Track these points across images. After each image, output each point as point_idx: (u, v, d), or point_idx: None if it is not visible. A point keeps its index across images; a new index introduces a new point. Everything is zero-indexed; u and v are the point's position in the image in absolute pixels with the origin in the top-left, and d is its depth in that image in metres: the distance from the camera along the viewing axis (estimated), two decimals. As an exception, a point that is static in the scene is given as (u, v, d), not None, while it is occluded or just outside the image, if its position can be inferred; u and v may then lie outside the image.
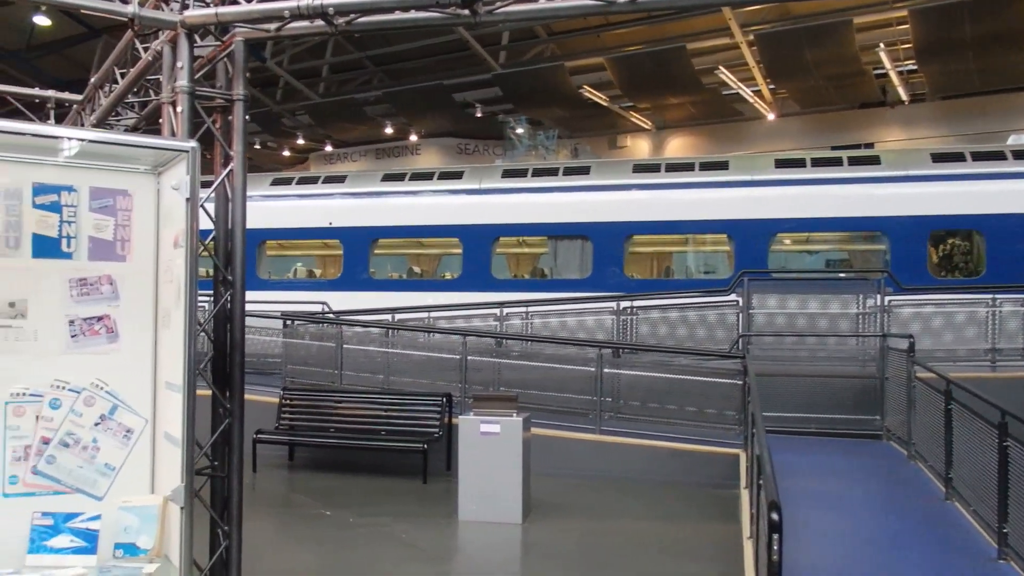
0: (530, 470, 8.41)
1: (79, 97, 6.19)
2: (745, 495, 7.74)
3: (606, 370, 10.50)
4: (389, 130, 25.66)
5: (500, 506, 8.13)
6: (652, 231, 14.02)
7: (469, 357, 11.15)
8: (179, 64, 3.65)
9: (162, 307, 3.74)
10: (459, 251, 14.92)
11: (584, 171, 14.61)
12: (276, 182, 16.98)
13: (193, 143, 3.32)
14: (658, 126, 23.65)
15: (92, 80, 5.52)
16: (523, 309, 12.78)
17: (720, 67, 19.81)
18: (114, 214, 3.72)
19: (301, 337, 13.08)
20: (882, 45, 18.39)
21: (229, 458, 3.82)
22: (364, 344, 12.52)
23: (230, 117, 3.80)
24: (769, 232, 13.28)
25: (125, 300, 3.74)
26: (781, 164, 13.86)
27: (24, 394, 3.56)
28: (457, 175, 15.61)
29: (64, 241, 3.63)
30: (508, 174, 15.15)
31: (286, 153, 29.66)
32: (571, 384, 10.87)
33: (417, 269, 17.11)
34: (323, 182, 16.90)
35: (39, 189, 3.58)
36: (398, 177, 16.07)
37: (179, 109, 3.64)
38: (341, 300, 14.67)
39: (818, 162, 13.69)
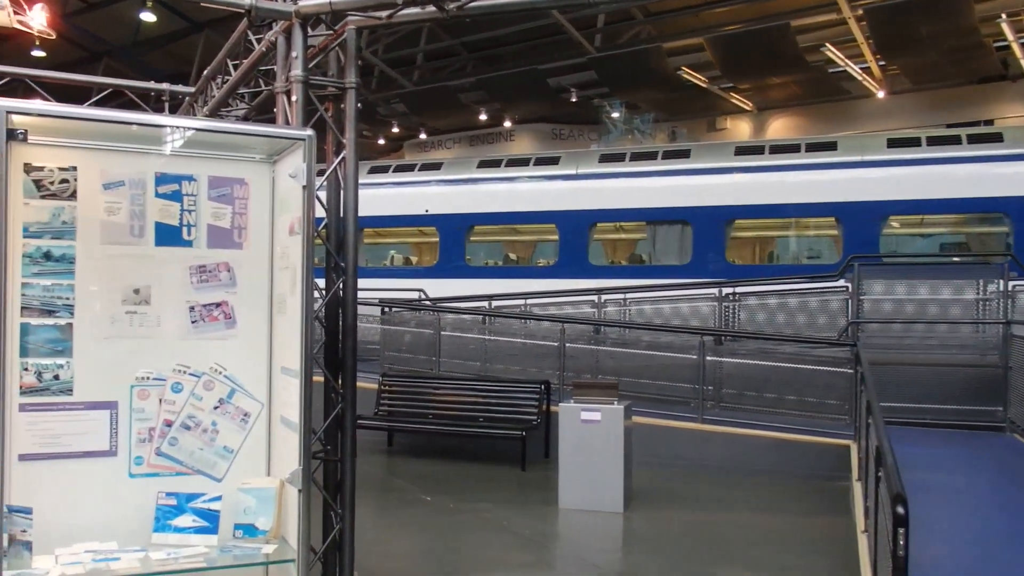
0: (632, 459, 8.29)
1: (191, 89, 6.38)
2: (858, 487, 7.42)
3: (708, 358, 10.27)
4: (483, 117, 25.72)
5: (601, 495, 8.04)
6: (755, 215, 13.61)
7: (567, 344, 11.07)
8: (293, 54, 3.68)
9: (277, 293, 3.80)
10: (555, 237, 14.84)
11: (684, 154, 14.30)
12: (373, 170, 17.26)
13: (310, 131, 3.35)
14: (759, 107, 22.91)
15: (205, 72, 5.67)
16: (621, 296, 12.61)
17: (827, 44, 19.00)
18: (231, 202, 3.79)
19: (399, 324, 13.27)
20: (1004, 16, 17.26)
21: (342, 442, 3.86)
22: (461, 331, 12.61)
23: (342, 105, 3.82)
24: (881, 215, 12.69)
25: (242, 287, 3.82)
26: (894, 144, 13.20)
27: (148, 378, 3.68)
28: (553, 160, 15.51)
29: (185, 229, 3.72)
30: (605, 159, 14.96)
31: (381, 141, 30.16)
32: (671, 372, 10.69)
33: (513, 256, 17.12)
34: (419, 169, 17.09)
35: (161, 179, 3.68)
36: (494, 163, 16.08)
37: (294, 98, 3.68)
38: (437, 287, 14.82)
39: (934, 141, 12.98)
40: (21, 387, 3.46)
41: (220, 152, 3.77)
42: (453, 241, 15.71)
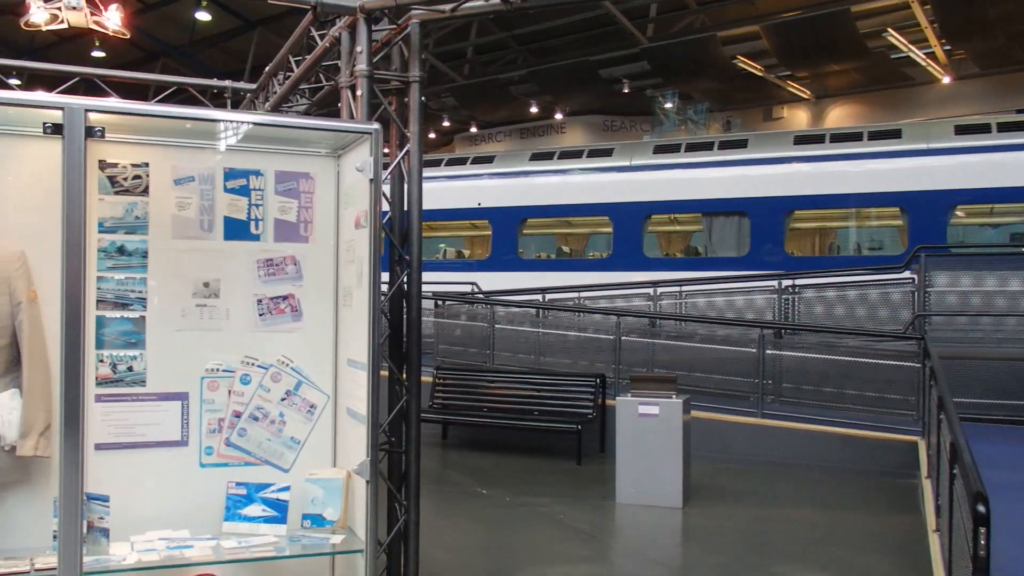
0: (690, 453, 8.19)
1: (252, 86, 6.47)
2: (927, 485, 7.23)
3: (767, 351, 10.09)
4: (534, 109, 25.65)
5: (659, 489, 7.96)
6: (815, 205, 13.31)
7: (622, 337, 10.99)
8: (358, 48, 3.70)
9: (342, 286, 3.83)
10: (609, 230, 14.73)
11: (741, 144, 14.05)
12: (424, 164, 17.31)
13: (376, 125, 3.36)
14: (817, 95, 22.40)
15: (267, 69, 5.74)
16: (676, 288, 12.47)
17: (888, 29, 18.48)
18: (297, 196, 3.83)
19: (451, 317, 13.32)
20: (1076, -4, 16.58)
21: (407, 434, 3.88)
22: (514, 324, 12.61)
23: (405, 99, 3.83)
24: (948, 204, 12.30)
25: (308, 280, 3.85)
26: (962, 130, 12.78)
27: (218, 370, 3.74)
28: (607, 152, 15.40)
29: (252, 223, 3.77)
30: (660, 150, 14.79)
31: (431, 136, 30.31)
32: (728, 366, 10.54)
33: (566, 249, 17.06)
34: (471, 163, 17.11)
35: (229, 174, 3.74)
36: (547, 156, 16.03)
37: (359, 92, 3.70)
38: (489, 281, 14.83)
39: (1005, 127, 12.53)
40: (97, 378, 3.54)
41: (286, 147, 3.81)
42: (505, 234, 15.71)
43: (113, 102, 3.40)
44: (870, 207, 13.34)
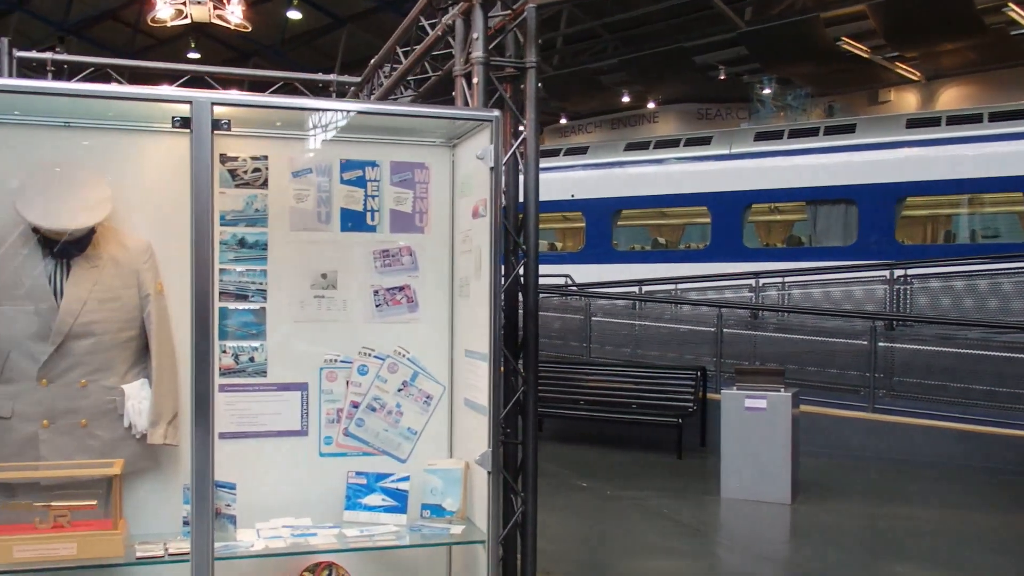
0: (799, 448, 7.92)
1: (358, 79, 6.54)
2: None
3: (880, 344, 9.67)
4: (625, 99, 25.31)
5: (767, 485, 7.73)
6: (930, 192, 12.66)
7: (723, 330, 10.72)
8: (474, 35, 3.66)
9: (458, 277, 3.79)
10: (707, 220, 14.39)
11: (849, 129, 13.49)
12: (518, 156, 17.29)
13: (497, 112, 3.30)
14: (928, 76, 21.32)
15: (372, 61, 5.78)
16: (779, 279, 12.08)
17: (1009, 3, 17.40)
18: (412, 187, 3.81)
19: (546, 310, 13.26)
20: None
21: (524, 425, 3.83)
22: (611, 316, 12.46)
23: (521, 85, 3.77)
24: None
25: (423, 270, 3.84)
26: (1092, 109, 11.96)
27: (336, 360, 3.76)
28: (705, 140, 15.04)
29: (368, 215, 3.77)
30: (761, 137, 14.36)
31: (521, 128, 30.25)
32: (836, 359, 10.16)
33: (662, 240, 16.77)
34: (564, 154, 16.99)
35: (346, 165, 3.75)
36: (642, 146, 15.77)
37: (474, 80, 3.65)
38: (583, 273, 14.69)
39: None
40: (220, 368, 3.60)
41: (401, 137, 3.80)
42: (600, 226, 15.54)
43: (236, 94, 3.45)
44: (992, 192, 12.58)
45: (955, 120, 12.79)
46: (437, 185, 3.83)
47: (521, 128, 3.72)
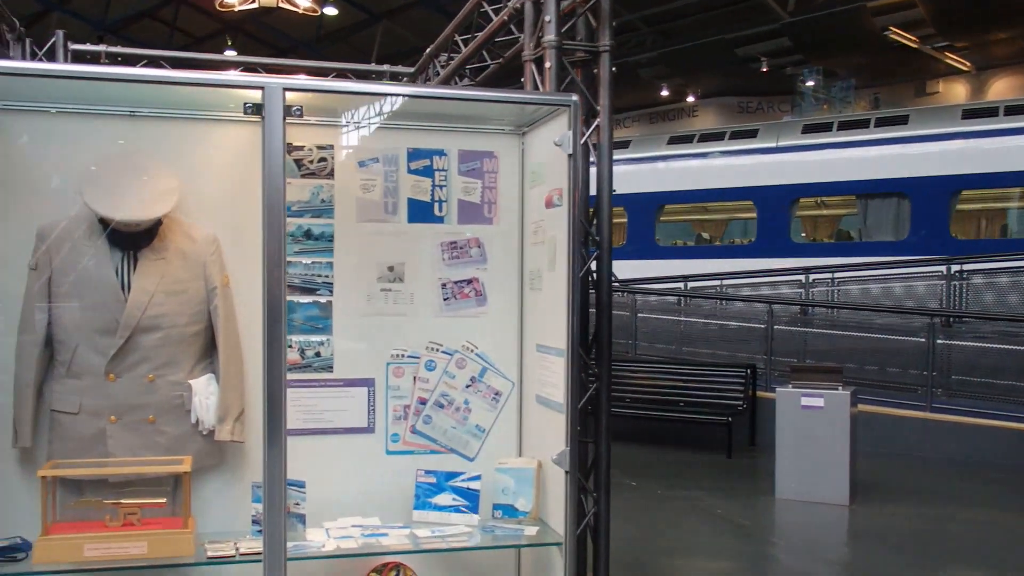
0: (857, 448, 7.69)
1: (411, 69, 6.44)
2: None
3: (938, 341, 9.40)
4: (664, 92, 25.00)
5: (824, 485, 7.50)
6: (987, 184, 12.29)
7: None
8: (546, 18, 3.53)
9: (529, 269, 3.67)
10: (753, 215, 14.12)
11: (901, 121, 13.14)
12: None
13: (575, 97, 3.17)
14: (979, 67, 20.77)
15: (427, 51, 5.68)
16: (828, 275, 11.81)
17: (1061, -9, 16.91)
18: (481, 176, 3.70)
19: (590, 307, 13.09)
20: None
21: (596, 423, 3.70)
22: (656, 313, 12.27)
23: (595, 70, 3.64)
24: None
25: (492, 263, 3.72)
26: None
27: (403, 355, 3.66)
28: (751, 133, 14.75)
29: (436, 205, 3.66)
30: (809, 129, 14.05)
31: (595, 115, 30.04)
32: (890, 357, 9.89)
33: (706, 235, 16.51)
34: (605, 149, 16.77)
35: (413, 154, 3.64)
36: (685, 139, 15.53)
37: (547, 65, 3.53)
38: (626, 269, 14.47)
39: None
40: (287, 364, 3.51)
41: (469, 125, 3.68)
42: (642, 221, 15.32)
43: (308, 80, 3.36)
44: None
45: (1013, 110, 12.39)
46: (506, 174, 3.71)
47: (595, 115, 3.57)
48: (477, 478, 3.48)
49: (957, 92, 21.33)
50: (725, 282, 12.81)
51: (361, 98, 3.46)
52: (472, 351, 3.70)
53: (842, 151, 13.21)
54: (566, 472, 3.23)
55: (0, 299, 3.23)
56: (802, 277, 11.76)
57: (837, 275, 11.73)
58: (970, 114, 12.78)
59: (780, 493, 7.69)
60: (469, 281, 3.69)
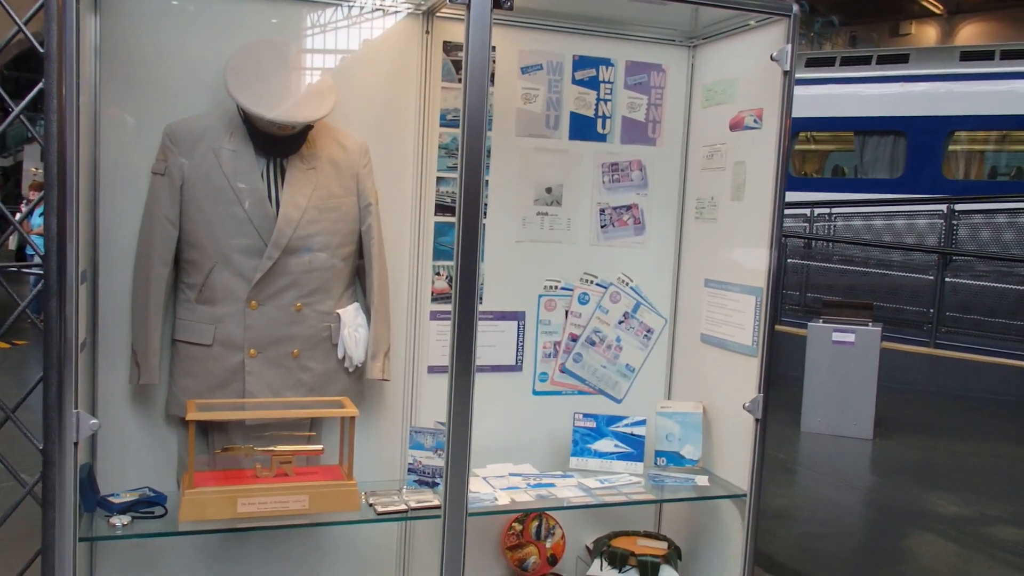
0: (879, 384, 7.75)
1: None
2: None
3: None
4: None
5: (850, 420, 7.57)
6: (983, 126, 12.36)
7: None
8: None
9: (696, 197, 3.33)
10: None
11: (902, 59, 13.04)
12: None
13: (796, 6, 2.81)
14: (950, 11, 20.85)
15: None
16: (826, 209, 11.78)
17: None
18: (648, 92, 3.32)
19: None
20: None
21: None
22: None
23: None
24: None
25: (652, 188, 3.38)
26: None
27: (556, 287, 3.32)
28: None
29: (599, 122, 3.28)
30: (811, 63, 13.85)
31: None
32: (892, 293, 9.97)
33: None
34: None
35: (579, 63, 3.23)
36: None
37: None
38: None
39: None
40: (432, 292, 3.15)
41: (637, 32, 3.27)
42: None
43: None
44: None
45: (1010, 54, 12.38)
46: (673, 91, 3.34)
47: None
48: (642, 423, 3.20)
49: (928, 35, 21.46)
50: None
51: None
52: (627, 284, 3.38)
53: (843, 87, 13.08)
54: (756, 420, 2.99)
55: (121, 211, 2.75)
56: (807, 211, 11.68)
57: (835, 210, 11.68)
58: (968, 56, 12.73)
59: (806, 426, 7.71)
60: (628, 207, 3.35)
